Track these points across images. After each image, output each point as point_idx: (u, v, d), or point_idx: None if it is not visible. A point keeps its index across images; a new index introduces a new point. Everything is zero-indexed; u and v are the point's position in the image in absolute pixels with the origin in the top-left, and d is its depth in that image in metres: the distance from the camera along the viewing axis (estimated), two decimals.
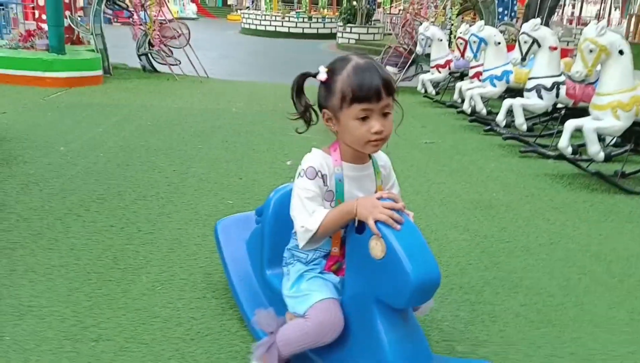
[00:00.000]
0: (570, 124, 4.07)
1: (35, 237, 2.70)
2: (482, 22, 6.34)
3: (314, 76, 1.60)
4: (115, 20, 16.62)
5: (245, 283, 2.12)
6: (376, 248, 1.46)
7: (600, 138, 4.22)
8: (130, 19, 8.98)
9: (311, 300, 1.60)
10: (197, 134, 5.09)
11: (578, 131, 4.16)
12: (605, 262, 2.79)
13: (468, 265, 2.67)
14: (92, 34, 8.37)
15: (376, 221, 1.44)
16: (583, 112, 4.43)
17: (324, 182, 1.59)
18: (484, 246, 2.90)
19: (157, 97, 7.00)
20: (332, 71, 1.56)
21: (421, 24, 8.15)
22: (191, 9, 34.90)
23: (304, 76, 1.65)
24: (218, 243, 2.30)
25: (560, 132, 4.43)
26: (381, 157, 1.74)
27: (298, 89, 1.65)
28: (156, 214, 3.09)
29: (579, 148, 4.51)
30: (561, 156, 4.43)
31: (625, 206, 3.68)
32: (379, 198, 1.49)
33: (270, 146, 4.79)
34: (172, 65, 8.82)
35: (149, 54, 9.02)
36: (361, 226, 1.52)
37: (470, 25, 6.87)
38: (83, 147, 4.38)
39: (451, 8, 9.01)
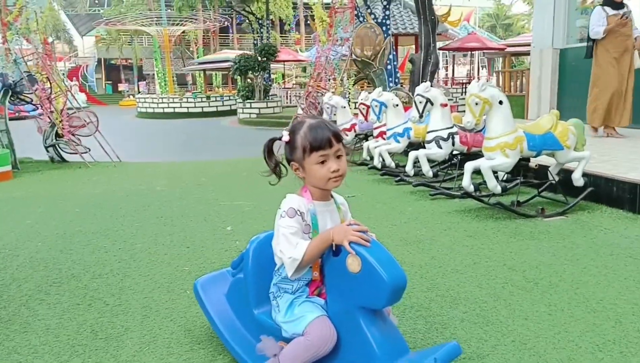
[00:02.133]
0: (469, 166, 4.75)
1: (5, 324, 2.73)
2: (380, 88, 7.16)
3: (279, 139, 2.03)
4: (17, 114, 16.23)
5: (233, 330, 2.36)
6: (353, 264, 1.85)
7: (495, 175, 4.95)
8: (36, 112, 8.90)
9: (307, 319, 1.92)
10: (129, 214, 5.20)
11: (475, 173, 4.86)
12: (520, 271, 3.33)
13: (412, 288, 3.08)
14: None
15: (350, 243, 1.83)
16: (476, 156, 5.18)
17: (302, 218, 1.98)
18: (421, 273, 3.34)
19: (76, 185, 6.98)
20: (292, 132, 2.01)
21: (323, 95, 8.93)
22: (80, 98, 34.27)
23: (272, 141, 2.07)
24: (200, 299, 2.53)
25: (460, 175, 5.11)
26: (339, 198, 2.17)
27: (269, 151, 2.06)
28: (118, 289, 3.21)
29: (479, 186, 5.22)
30: (465, 194, 5.10)
31: (526, 228, 4.33)
32: (348, 225, 1.89)
33: (206, 216, 5.02)
34: (83, 153, 8.79)
35: (57, 145, 8.94)
36: (337, 250, 1.90)
37: (369, 93, 7.68)
38: (18, 239, 4.36)
39: (348, 79, 9.94)
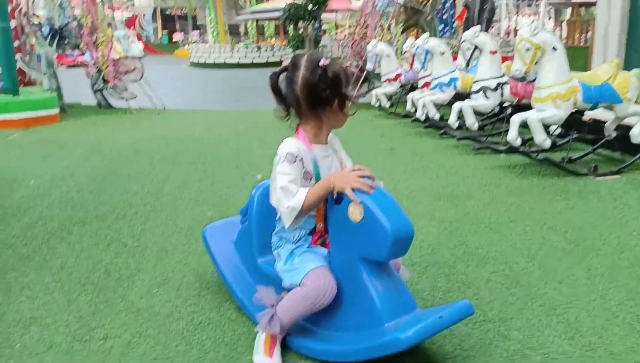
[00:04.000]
0: (517, 118, 4.41)
1: (24, 260, 2.76)
2: (427, 34, 6.75)
3: (326, 66, 1.76)
4: (60, 64, 16.55)
5: (239, 278, 2.27)
6: (355, 213, 1.68)
7: (546, 129, 4.58)
8: (82, 59, 9.01)
9: (305, 269, 1.79)
10: (164, 159, 5.19)
11: (524, 126, 4.51)
12: (561, 233, 3.06)
13: (439, 245, 2.89)
14: (44, 74, 8.35)
15: (353, 189, 1.66)
16: (528, 108, 4.80)
17: (302, 164, 1.81)
18: (451, 229, 3.13)
19: (118, 130, 7.06)
20: (330, 62, 1.78)
21: (369, 43, 8.55)
22: (137, 48, 34.79)
23: (281, 72, 1.86)
24: (207, 246, 2.44)
25: (507, 130, 4.77)
26: (332, 136, 1.98)
27: (277, 88, 1.87)
28: (139, 231, 3.19)
29: (528, 141, 4.86)
30: (511, 149, 4.77)
31: (575, 186, 4.01)
32: (351, 171, 1.72)
33: (238, 163, 4.94)
34: (129, 99, 8.87)
35: (104, 90, 9.05)
36: (339, 198, 1.73)
37: (415, 40, 7.28)
38: (53, 179, 4.42)
39: (396, 27, 9.48)
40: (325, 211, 1.84)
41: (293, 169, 1.78)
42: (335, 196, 1.74)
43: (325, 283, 1.74)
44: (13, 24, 7.87)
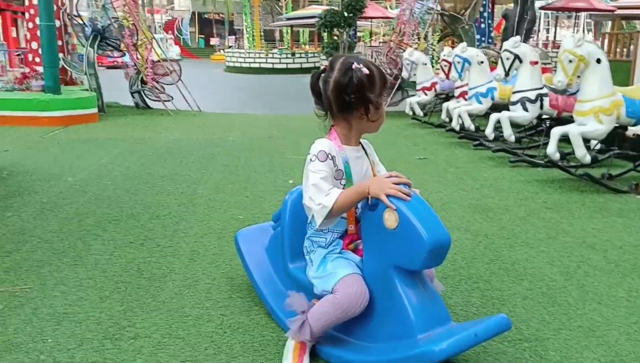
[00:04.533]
0: (557, 131, 4.30)
1: (60, 255, 2.81)
2: (465, 43, 6.66)
3: (354, 70, 1.74)
4: (99, 64, 16.97)
5: (270, 283, 2.26)
6: (390, 219, 1.64)
7: (586, 144, 4.45)
8: (122, 60, 9.21)
9: (337, 276, 1.76)
10: (199, 160, 5.25)
11: (563, 140, 4.39)
12: (601, 251, 2.96)
13: (474, 259, 2.82)
14: (85, 74, 8.57)
15: (388, 196, 1.63)
16: (567, 122, 4.68)
17: (333, 163, 1.81)
18: (486, 243, 3.06)
19: (154, 131, 7.17)
20: (368, 67, 1.77)
21: (404, 51, 8.50)
22: (174, 51, 35.51)
23: (320, 75, 1.85)
24: (239, 250, 2.44)
25: (546, 143, 4.66)
26: (364, 141, 1.99)
27: (318, 89, 1.86)
28: (172, 231, 3.22)
29: (567, 155, 4.73)
30: (550, 163, 4.65)
31: (615, 204, 3.88)
32: (387, 177, 1.69)
33: (270, 167, 4.95)
34: (165, 101, 9.02)
35: (142, 92, 9.23)
36: (373, 204, 1.71)
37: (452, 49, 7.19)
38: (90, 177, 4.51)
39: (432, 35, 9.40)
40: (357, 215, 1.83)
41: (325, 166, 1.78)
42: (369, 201, 1.71)
43: (358, 291, 1.71)
44: (57, 23, 8.10)
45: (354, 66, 1.74)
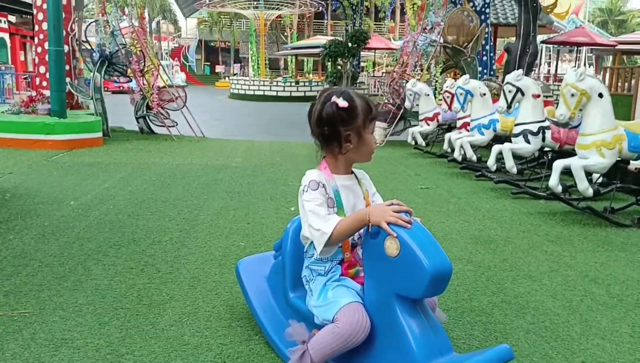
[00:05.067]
0: (559, 164, 4.31)
1: (60, 280, 2.80)
2: (467, 75, 6.74)
3: (337, 104, 1.80)
4: (105, 89, 17.18)
5: (270, 314, 2.24)
6: (391, 247, 1.65)
7: (588, 177, 4.46)
8: (128, 85, 9.32)
9: (338, 305, 1.75)
10: (201, 186, 5.26)
11: (565, 173, 4.40)
12: (604, 285, 2.94)
13: (476, 291, 2.80)
14: (92, 98, 8.66)
15: (389, 224, 1.64)
16: (569, 155, 4.70)
17: (325, 190, 1.83)
18: (488, 275, 3.04)
19: (158, 156, 7.21)
20: (349, 99, 1.81)
21: (407, 82, 8.59)
22: (180, 77, 35.97)
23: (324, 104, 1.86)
24: (240, 280, 2.43)
25: (549, 175, 4.66)
26: (358, 172, 2.00)
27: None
28: (173, 257, 3.21)
29: (569, 188, 4.74)
30: (552, 195, 4.65)
31: (618, 238, 3.86)
32: (388, 205, 1.70)
33: (272, 195, 4.96)
34: (170, 126, 9.09)
35: (147, 117, 9.31)
36: (375, 232, 1.71)
37: (455, 80, 7.27)
38: (92, 201, 4.52)
39: (435, 67, 9.51)
40: (354, 242, 1.85)
41: (318, 194, 1.81)
42: (370, 229, 1.71)
43: (359, 320, 1.70)
44: (66, 48, 8.22)
45: (332, 99, 1.79)
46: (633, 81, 10.78)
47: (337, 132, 1.80)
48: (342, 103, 1.79)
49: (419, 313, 1.70)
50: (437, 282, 1.62)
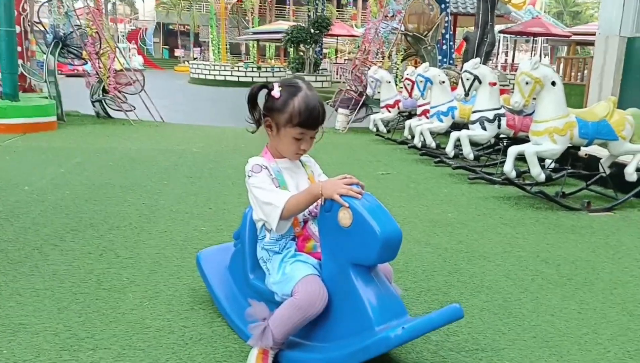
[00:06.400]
0: (513, 150, 4.46)
1: (15, 265, 2.73)
2: (427, 63, 6.85)
3: (269, 90, 1.89)
4: (59, 72, 16.61)
5: (232, 300, 2.26)
6: (344, 218, 1.71)
7: (541, 163, 4.62)
8: (82, 68, 9.06)
9: (295, 278, 1.81)
10: (161, 171, 5.19)
11: (520, 159, 4.55)
12: (554, 265, 3.08)
13: (433, 272, 2.89)
14: (45, 81, 8.38)
15: (341, 196, 1.70)
16: (523, 141, 4.85)
17: (269, 172, 1.89)
18: (445, 256, 3.14)
19: (115, 140, 7.06)
20: (285, 91, 1.86)
21: (369, 69, 8.66)
22: (137, 61, 35.03)
23: (259, 88, 1.93)
24: (201, 269, 2.43)
25: (503, 161, 4.81)
26: (303, 156, 2.04)
27: (252, 99, 1.93)
28: (132, 242, 3.17)
29: (522, 173, 4.91)
30: (506, 181, 4.81)
31: (568, 221, 4.04)
32: (340, 179, 1.77)
33: (234, 180, 4.94)
34: (127, 111, 8.89)
35: (103, 101, 9.07)
36: (328, 205, 1.77)
37: (415, 68, 7.37)
38: (48, 186, 4.40)
39: (396, 54, 9.61)
40: (303, 219, 1.93)
41: (263, 175, 1.87)
42: (323, 202, 1.76)
43: (316, 290, 1.75)
44: (17, 29, 7.91)
45: (273, 86, 1.88)
46: (586, 71, 11.18)
47: (257, 111, 1.89)
48: (275, 92, 1.85)
49: (373, 279, 1.77)
50: (389, 247, 1.69)
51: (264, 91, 1.91)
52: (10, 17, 7.25)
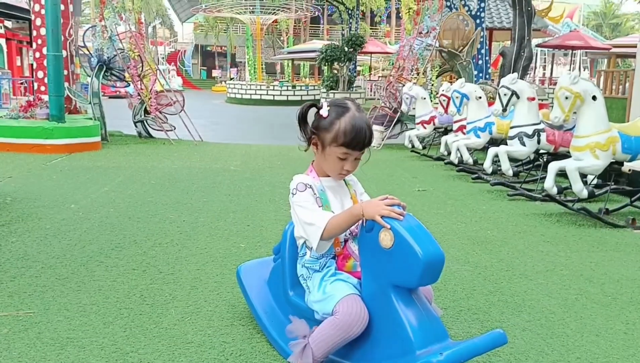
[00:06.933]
0: (554, 166, 4.38)
1: (63, 281, 2.83)
2: (463, 79, 6.81)
3: (318, 109, 1.93)
4: (102, 94, 17.23)
5: (271, 314, 2.28)
6: (385, 239, 1.71)
7: (583, 179, 4.52)
8: (124, 90, 9.39)
9: (336, 297, 1.82)
10: (200, 189, 5.30)
11: (561, 175, 4.46)
12: (599, 284, 3.00)
13: (473, 290, 2.86)
14: (90, 103, 8.70)
15: (382, 217, 1.71)
16: (564, 157, 4.76)
17: (313, 191, 1.91)
18: (485, 275, 3.10)
19: (157, 160, 7.25)
20: (333, 111, 1.89)
21: (403, 85, 8.67)
22: (177, 82, 35.97)
23: (309, 107, 1.97)
24: (241, 283, 2.47)
25: (543, 177, 4.73)
26: (349, 177, 2.07)
27: (302, 118, 1.96)
28: (174, 258, 3.25)
29: (564, 189, 4.80)
30: (548, 197, 4.71)
31: (612, 238, 3.92)
32: (381, 200, 1.78)
33: (271, 197, 5.01)
34: (168, 130, 9.12)
35: (145, 121, 9.35)
36: (369, 226, 1.77)
37: (451, 84, 7.34)
38: (93, 204, 4.56)
39: (431, 70, 9.60)
40: (346, 239, 1.93)
41: (307, 194, 1.89)
42: (364, 224, 1.77)
43: (357, 311, 1.75)
44: (64, 53, 8.26)
45: (323, 104, 1.91)
46: (627, 84, 10.89)
47: (306, 129, 1.92)
48: (323, 111, 1.88)
49: (415, 302, 1.76)
50: (431, 270, 1.68)
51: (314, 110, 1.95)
52: (57, 42, 7.58)
